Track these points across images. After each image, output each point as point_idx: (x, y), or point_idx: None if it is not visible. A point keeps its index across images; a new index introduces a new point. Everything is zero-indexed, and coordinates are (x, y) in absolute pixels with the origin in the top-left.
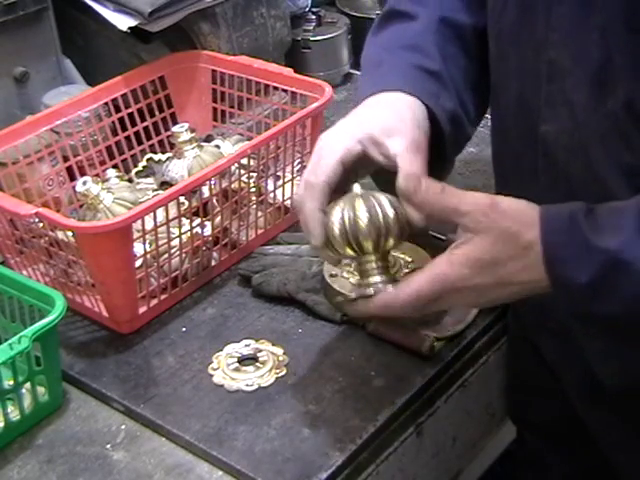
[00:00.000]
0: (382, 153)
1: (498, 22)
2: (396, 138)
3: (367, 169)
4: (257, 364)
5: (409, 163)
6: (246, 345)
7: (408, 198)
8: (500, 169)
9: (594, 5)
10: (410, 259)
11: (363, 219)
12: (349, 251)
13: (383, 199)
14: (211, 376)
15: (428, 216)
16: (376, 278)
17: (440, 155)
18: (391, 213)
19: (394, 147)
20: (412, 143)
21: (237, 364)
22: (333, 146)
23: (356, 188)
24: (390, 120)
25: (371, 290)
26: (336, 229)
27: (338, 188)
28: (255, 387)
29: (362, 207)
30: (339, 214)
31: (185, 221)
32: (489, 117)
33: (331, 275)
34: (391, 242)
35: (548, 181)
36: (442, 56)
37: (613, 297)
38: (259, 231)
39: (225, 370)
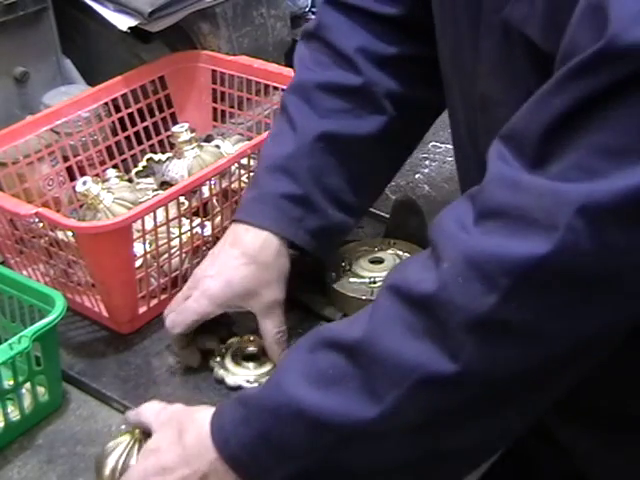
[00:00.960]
0: (243, 309)
1: (442, 51)
2: (254, 302)
3: None
4: (258, 362)
5: (263, 328)
6: (247, 343)
7: None
8: None
9: (515, 42)
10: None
11: (107, 468)
12: None
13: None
14: (211, 375)
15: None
16: None
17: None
18: None
19: (253, 309)
20: (267, 305)
21: (238, 361)
22: (198, 304)
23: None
24: (250, 282)
25: None
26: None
27: None
28: (256, 384)
29: (110, 460)
30: (110, 449)
31: (185, 221)
32: None
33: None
34: None
35: None
36: (312, 175)
37: (286, 447)
38: None
39: (226, 369)
